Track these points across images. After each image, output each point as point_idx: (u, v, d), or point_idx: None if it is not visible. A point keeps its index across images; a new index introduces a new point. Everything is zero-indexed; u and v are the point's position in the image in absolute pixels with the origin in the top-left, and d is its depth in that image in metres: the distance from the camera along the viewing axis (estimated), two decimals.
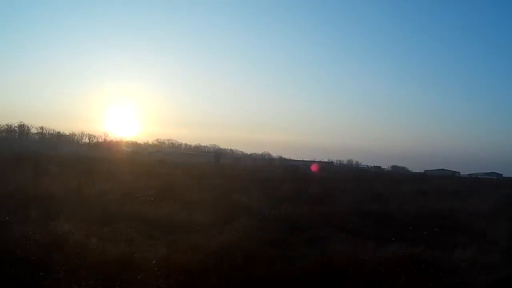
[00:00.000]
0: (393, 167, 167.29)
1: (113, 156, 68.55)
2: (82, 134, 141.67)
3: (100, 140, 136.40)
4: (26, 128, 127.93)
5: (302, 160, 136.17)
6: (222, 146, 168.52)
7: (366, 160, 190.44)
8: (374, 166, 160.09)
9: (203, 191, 23.78)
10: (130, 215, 14.82)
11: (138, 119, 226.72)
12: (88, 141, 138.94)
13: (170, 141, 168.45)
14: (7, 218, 12.09)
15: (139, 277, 7.96)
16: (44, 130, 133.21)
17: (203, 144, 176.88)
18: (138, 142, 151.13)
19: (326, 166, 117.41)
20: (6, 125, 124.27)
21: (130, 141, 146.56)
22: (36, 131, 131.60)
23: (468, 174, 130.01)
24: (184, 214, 15.78)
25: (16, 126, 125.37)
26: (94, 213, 14.70)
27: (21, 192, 18.09)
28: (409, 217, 19.59)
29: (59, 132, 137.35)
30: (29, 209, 14.20)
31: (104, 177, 27.86)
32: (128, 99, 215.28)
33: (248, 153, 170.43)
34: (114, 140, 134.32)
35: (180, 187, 25.14)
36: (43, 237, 9.95)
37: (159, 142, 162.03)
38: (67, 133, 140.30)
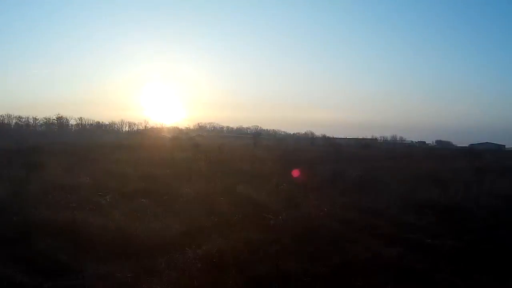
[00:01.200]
0: (438, 141, 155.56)
1: (152, 142, 65.69)
2: (122, 123, 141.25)
3: (140, 127, 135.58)
4: (65, 120, 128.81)
5: (346, 138, 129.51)
6: (264, 127, 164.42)
7: (410, 136, 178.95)
8: (418, 141, 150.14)
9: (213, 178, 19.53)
10: None
11: (180, 105, 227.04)
12: (128, 129, 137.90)
13: (212, 125, 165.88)
14: None
15: None
16: (83, 120, 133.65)
17: (244, 125, 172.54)
18: (180, 127, 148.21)
19: (371, 143, 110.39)
20: (45, 118, 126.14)
21: (172, 127, 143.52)
22: (75, 122, 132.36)
23: None
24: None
25: (54, 119, 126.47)
26: None
27: None
28: (485, 211, 14.53)
29: (98, 122, 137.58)
30: None
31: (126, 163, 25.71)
32: (169, 85, 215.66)
33: (291, 133, 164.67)
34: (155, 127, 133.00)
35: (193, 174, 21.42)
36: None
37: (200, 126, 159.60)
38: (107, 122, 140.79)
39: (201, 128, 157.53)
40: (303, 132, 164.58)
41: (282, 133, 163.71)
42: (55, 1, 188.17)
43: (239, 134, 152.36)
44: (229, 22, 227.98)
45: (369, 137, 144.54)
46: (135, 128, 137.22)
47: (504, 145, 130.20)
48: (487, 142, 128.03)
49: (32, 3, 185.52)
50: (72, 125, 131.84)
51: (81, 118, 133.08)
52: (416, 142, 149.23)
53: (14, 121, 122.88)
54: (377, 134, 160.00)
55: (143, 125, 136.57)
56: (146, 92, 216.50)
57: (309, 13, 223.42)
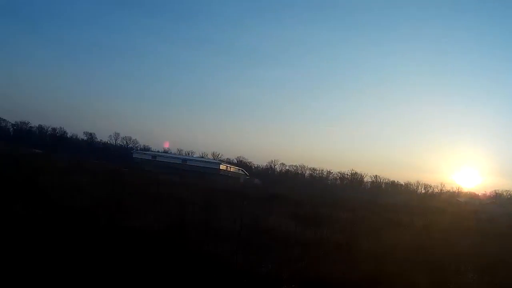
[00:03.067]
0: None
1: (445, 206, 62.34)
2: (418, 184, 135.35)
3: (436, 190, 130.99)
4: (359, 176, 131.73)
5: None
6: None
7: None
8: None
9: None
10: None
11: (478, 169, 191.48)
12: (423, 191, 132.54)
13: (509, 193, 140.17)
14: None
15: None
16: (378, 178, 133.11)
17: None
18: (476, 193, 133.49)
19: None
20: (339, 172, 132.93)
21: (468, 191, 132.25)
22: (370, 180, 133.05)
23: None
24: None
25: (347, 174, 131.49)
26: None
27: None
28: None
29: (393, 181, 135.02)
30: None
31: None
32: (445, 147, 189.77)
33: None
34: (451, 191, 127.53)
35: None
36: None
37: (496, 193, 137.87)
38: (402, 183, 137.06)
39: (496, 195, 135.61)
40: None
41: None
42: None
43: None
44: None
45: None
46: (430, 191, 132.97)
47: None
48: None
49: None
50: (367, 182, 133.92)
51: (376, 176, 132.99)
52: None
53: (307, 172, 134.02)
54: None
55: (439, 188, 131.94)
56: (442, 154, 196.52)
57: None
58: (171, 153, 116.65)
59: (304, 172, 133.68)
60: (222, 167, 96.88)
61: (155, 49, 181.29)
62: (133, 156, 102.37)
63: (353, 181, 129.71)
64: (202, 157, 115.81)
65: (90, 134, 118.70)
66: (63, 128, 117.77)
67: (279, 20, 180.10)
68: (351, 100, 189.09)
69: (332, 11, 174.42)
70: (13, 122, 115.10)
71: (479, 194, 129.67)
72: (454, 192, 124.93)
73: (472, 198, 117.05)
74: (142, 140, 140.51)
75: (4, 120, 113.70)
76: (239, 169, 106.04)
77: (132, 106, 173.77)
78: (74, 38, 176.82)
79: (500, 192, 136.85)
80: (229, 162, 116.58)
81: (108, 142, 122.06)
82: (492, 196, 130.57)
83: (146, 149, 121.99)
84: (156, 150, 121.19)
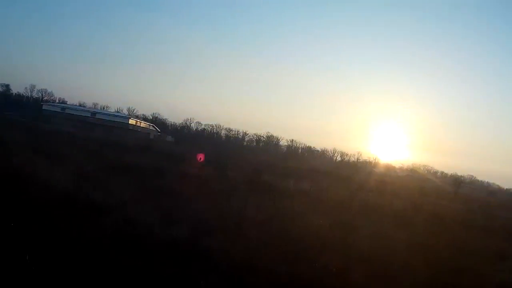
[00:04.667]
0: None
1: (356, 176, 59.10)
2: (334, 151, 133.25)
3: (352, 159, 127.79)
4: (275, 139, 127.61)
5: None
6: (480, 178, 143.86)
7: None
8: None
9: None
10: None
11: (398, 142, 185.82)
12: (339, 159, 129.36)
13: (426, 167, 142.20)
14: None
15: None
16: (294, 142, 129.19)
17: (459, 173, 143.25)
18: (393, 165, 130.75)
19: None
20: (255, 134, 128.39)
21: (384, 163, 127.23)
22: (286, 143, 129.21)
23: None
24: None
25: (264, 137, 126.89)
26: None
27: None
28: None
29: (309, 147, 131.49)
30: None
31: None
32: (391, 118, 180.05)
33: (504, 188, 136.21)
34: (368, 160, 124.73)
35: None
36: None
37: (414, 166, 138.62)
38: (319, 149, 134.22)
39: (413, 168, 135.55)
40: None
41: (495, 187, 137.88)
42: None
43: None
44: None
45: None
46: (346, 159, 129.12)
47: None
48: None
49: None
50: (282, 145, 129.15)
51: (292, 140, 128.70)
52: None
53: (223, 132, 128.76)
54: None
55: (356, 157, 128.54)
56: (364, 124, 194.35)
57: None
58: (82, 106, 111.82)
59: (220, 131, 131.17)
60: (132, 122, 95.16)
61: None
62: (43, 108, 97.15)
63: (268, 144, 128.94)
64: (117, 111, 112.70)
65: (7, 85, 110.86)
66: None
67: None
68: (272, 63, 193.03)
69: None
70: None
71: (396, 167, 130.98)
72: (371, 162, 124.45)
73: (389, 170, 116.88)
74: (60, 93, 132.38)
75: None
76: (150, 125, 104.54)
77: (51, 57, 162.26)
78: None
79: (418, 165, 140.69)
80: (143, 118, 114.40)
81: (24, 94, 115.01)
82: (409, 169, 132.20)
83: (60, 102, 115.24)
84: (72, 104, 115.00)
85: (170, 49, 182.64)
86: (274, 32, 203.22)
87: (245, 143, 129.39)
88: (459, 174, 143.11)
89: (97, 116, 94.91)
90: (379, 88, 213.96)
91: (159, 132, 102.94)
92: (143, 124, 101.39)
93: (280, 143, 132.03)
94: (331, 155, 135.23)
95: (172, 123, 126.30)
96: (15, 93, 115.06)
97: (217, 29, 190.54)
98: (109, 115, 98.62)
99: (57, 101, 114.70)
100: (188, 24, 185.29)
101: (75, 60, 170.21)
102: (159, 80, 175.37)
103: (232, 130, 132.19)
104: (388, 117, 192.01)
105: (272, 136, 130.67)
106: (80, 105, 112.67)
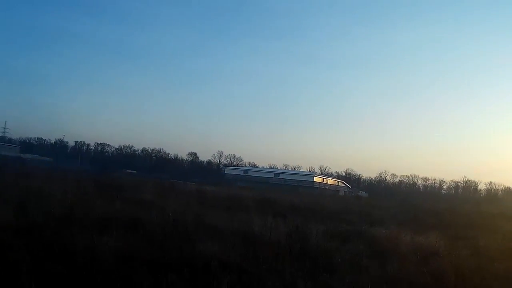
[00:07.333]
0: None
1: None
2: None
3: None
4: (472, 184, 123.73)
5: None
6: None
7: None
8: None
9: None
10: None
11: None
12: None
13: None
14: None
15: None
16: (492, 185, 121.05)
17: None
18: None
19: None
20: (452, 181, 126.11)
21: None
22: (484, 187, 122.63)
23: None
24: None
25: (461, 182, 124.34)
26: None
27: None
28: None
29: (509, 187, 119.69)
30: None
31: None
32: None
33: None
34: None
35: None
36: None
37: None
38: None
39: None
40: None
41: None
42: None
43: None
44: None
45: None
46: None
47: None
48: None
49: None
50: (480, 189, 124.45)
51: (491, 182, 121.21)
52: None
53: (419, 181, 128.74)
54: None
55: None
56: None
57: None
58: (272, 168, 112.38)
59: (415, 182, 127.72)
60: (317, 179, 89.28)
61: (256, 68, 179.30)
62: (225, 172, 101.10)
63: (466, 190, 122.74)
64: (308, 171, 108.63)
65: (194, 153, 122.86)
66: (162, 149, 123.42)
67: None
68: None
69: None
70: (117, 147, 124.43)
71: None
72: None
73: None
74: (247, 158, 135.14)
75: (108, 145, 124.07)
76: (339, 181, 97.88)
77: (236, 125, 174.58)
78: (173, 64, 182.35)
79: None
80: (336, 176, 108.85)
81: (212, 161, 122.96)
82: None
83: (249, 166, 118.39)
84: (262, 167, 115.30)
85: (355, 106, 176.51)
86: None
87: (443, 192, 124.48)
88: None
89: (281, 176, 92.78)
90: None
91: (349, 188, 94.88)
92: (330, 181, 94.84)
93: (478, 187, 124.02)
94: None
95: (367, 178, 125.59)
96: (205, 161, 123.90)
97: None
98: (293, 174, 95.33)
99: (246, 165, 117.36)
100: None
101: (260, 126, 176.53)
102: (349, 138, 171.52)
103: (428, 179, 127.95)
104: None
105: (469, 181, 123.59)
106: (267, 168, 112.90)
